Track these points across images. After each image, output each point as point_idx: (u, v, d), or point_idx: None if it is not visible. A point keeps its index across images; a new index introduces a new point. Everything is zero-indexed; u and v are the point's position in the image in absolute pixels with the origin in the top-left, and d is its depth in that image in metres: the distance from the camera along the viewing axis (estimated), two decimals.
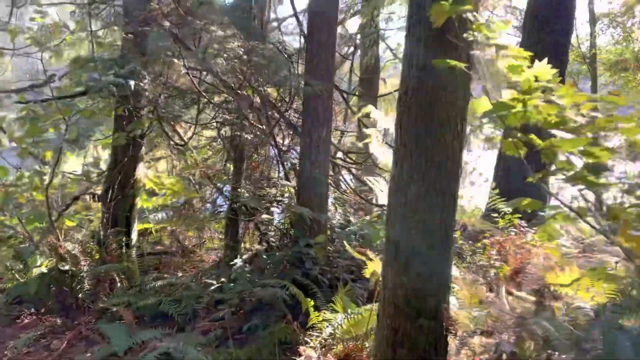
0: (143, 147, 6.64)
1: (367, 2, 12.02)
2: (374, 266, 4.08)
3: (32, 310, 5.65)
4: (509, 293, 5.20)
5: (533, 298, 4.88)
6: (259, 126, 5.94)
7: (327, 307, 4.46)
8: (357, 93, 10.01)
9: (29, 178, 5.55)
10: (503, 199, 4.43)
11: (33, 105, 5.41)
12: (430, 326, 3.07)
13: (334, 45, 5.79)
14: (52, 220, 5.63)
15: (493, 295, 5.05)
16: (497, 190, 4.19)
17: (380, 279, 3.34)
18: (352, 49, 13.30)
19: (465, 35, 2.42)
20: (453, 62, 2.40)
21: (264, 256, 5.59)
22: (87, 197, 6.86)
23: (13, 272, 5.66)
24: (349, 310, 4.08)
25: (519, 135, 2.40)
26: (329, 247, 5.68)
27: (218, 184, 6.90)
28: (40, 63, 8.03)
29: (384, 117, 3.97)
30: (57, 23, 6.89)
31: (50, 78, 7.63)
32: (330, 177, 6.79)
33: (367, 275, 4.39)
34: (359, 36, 13.08)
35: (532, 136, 2.29)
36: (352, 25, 14.09)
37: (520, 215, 6.17)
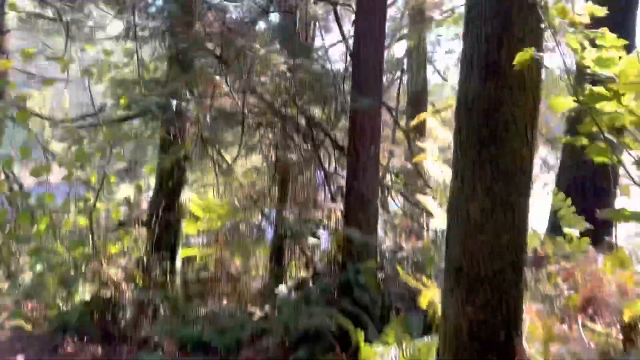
0: (187, 171, 6.52)
1: (413, 26, 11.77)
2: (431, 294, 3.68)
3: (75, 338, 5.52)
4: (584, 326, 4.64)
5: (610, 331, 4.32)
6: (304, 146, 5.70)
7: (378, 340, 4.06)
8: (405, 111, 9.68)
9: (73, 203, 5.51)
10: (581, 217, 3.93)
11: (74, 130, 5.40)
12: None
13: (382, 61, 5.52)
14: (96, 246, 5.54)
15: (566, 328, 4.52)
16: (572, 210, 3.69)
17: (440, 309, 2.95)
18: (399, 73, 13.00)
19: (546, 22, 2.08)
20: (528, 55, 2.04)
21: (310, 283, 5.27)
22: (133, 222, 6.77)
23: (57, 299, 5.58)
24: (404, 344, 3.67)
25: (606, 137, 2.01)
26: (379, 274, 5.29)
27: (263, 208, 6.68)
28: (97, 94, 8.14)
29: (441, 127, 3.62)
30: (106, 51, 6.95)
31: (102, 108, 7.72)
32: (379, 200, 6.43)
33: (423, 305, 3.98)
34: (405, 60, 12.79)
35: (627, 139, 1.90)
36: (399, 49, 13.85)
37: (589, 239, 5.59)
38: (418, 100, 12.50)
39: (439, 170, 3.30)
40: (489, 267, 2.64)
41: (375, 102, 5.29)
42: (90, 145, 5.71)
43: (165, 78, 5.29)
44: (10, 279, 6.82)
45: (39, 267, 5.56)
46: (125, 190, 8.50)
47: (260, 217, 6.94)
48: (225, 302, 6.86)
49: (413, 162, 6.03)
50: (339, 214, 6.14)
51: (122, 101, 5.89)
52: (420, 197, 3.70)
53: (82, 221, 6.18)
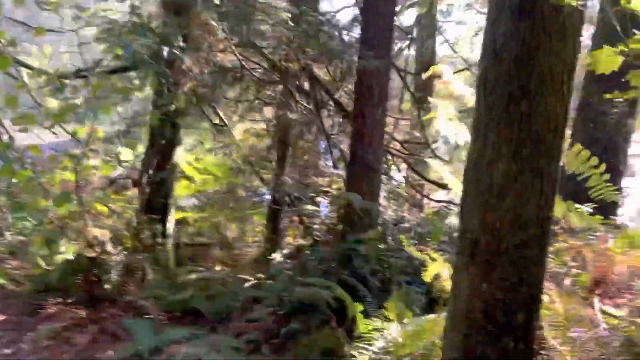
0: (181, 130, 6.15)
1: None
2: (436, 268, 3.36)
3: (59, 299, 5.25)
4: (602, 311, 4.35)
5: (623, 314, 4.04)
6: (306, 105, 5.32)
7: (378, 314, 3.77)
8: (413, 81, 9.20)
9: (57, 157, 5.16)
10: (615, 187, 3.58)
11: (56, 78, 5.00)
12: (517, 349, 2.34)
13: (393, 14, 5.10)
14: (82, 204, 5.22)
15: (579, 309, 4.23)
16: (606, 177, 3.34)
17: (450, 284, 2.63)
18: (407, 42, 12.46)
19: None
20: None
21: (307, 252, 4.97)
22: (123, 181, 6.45)
23: (38, 257, 5.29)
24: (405, 320, 3.38)
25: None
26: (381, 245, 4.99)
27: (261, 172, 6.34)
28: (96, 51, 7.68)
29: (459, 82, 3.23)
30: None
31: (98, 63, 7.30)
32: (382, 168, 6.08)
33: (427, 279, 3.67)
34: (414, 29, 12.24)
35: None
36: (408, 17, 13.30)
37: (602, 218, 5.27)
38: (426, 70, 11.97)
39: (452, 131, 2.94)
40: (510, 240, 2.31)
41: (385, 60, 4.89)
42: (72, 92, 5.31)
43: (159, 26, 4.86)
44: None
45: (22, 224, 5.26)
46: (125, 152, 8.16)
47: (258, 181, 6.61)
48: (218, 268, 6.61)
49: (421, 126, 5.65)
50: (341, 181, 5.81)
51: (116, 51, 5.46)
52: (430, 162, 3.36)
53: (71, 177, 5.84)
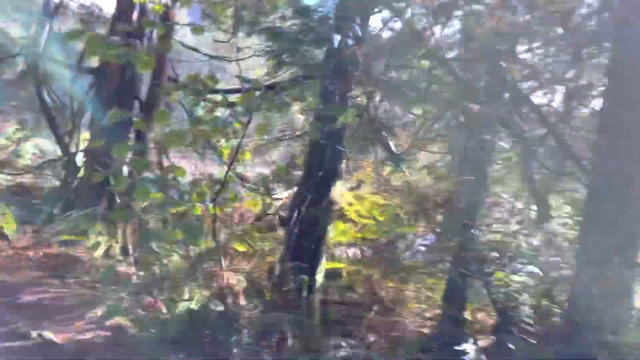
0: (344, 160, 4.95)
1: None
2: None
3: (180, 356, 4.22)
4: None
5: None
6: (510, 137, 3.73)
7: None
8: None
9: (192, 185, 4.23)
10: None
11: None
12: None
13: None
14: (218, 242, 4.20)
15: None
16: None
17: None
18: None
19: None
20: None
21: (514, 349, 3.28)
22: (270, 218, 5.42)
23: (160, 300, 4.35)
24: None
25: None
26: None
27: (438, 220, 4.83)
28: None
29: None
30: None
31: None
32: None
33: None
34: None
35: None
36: None
37: None
38: None
39: None
40: None
41: None
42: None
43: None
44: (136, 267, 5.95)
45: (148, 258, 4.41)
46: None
47: (432, 232, 5.10)
48: (372, 339, 5.17)
49: None
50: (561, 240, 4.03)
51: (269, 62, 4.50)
52: None
53: (212, 209, 4.91)
